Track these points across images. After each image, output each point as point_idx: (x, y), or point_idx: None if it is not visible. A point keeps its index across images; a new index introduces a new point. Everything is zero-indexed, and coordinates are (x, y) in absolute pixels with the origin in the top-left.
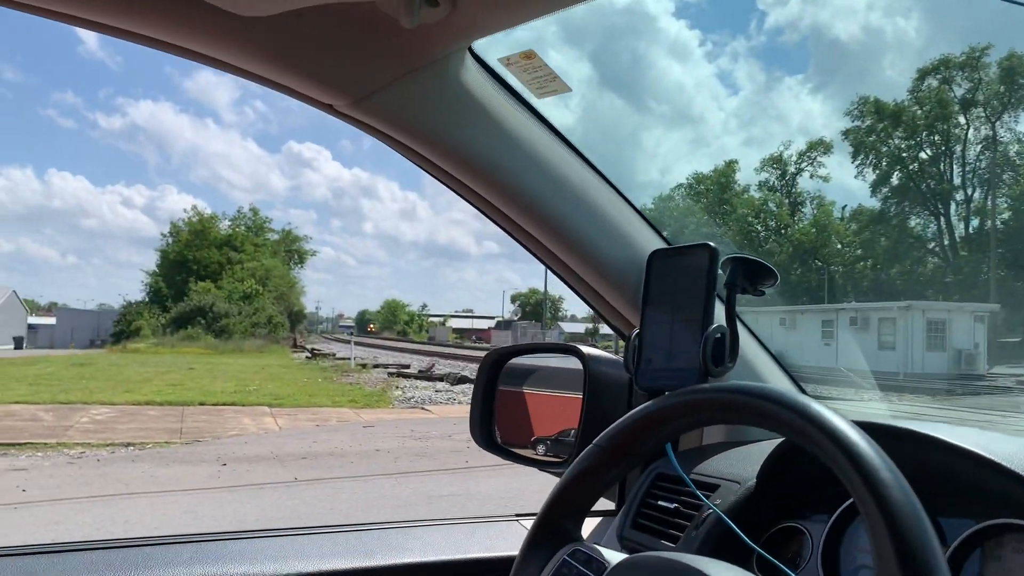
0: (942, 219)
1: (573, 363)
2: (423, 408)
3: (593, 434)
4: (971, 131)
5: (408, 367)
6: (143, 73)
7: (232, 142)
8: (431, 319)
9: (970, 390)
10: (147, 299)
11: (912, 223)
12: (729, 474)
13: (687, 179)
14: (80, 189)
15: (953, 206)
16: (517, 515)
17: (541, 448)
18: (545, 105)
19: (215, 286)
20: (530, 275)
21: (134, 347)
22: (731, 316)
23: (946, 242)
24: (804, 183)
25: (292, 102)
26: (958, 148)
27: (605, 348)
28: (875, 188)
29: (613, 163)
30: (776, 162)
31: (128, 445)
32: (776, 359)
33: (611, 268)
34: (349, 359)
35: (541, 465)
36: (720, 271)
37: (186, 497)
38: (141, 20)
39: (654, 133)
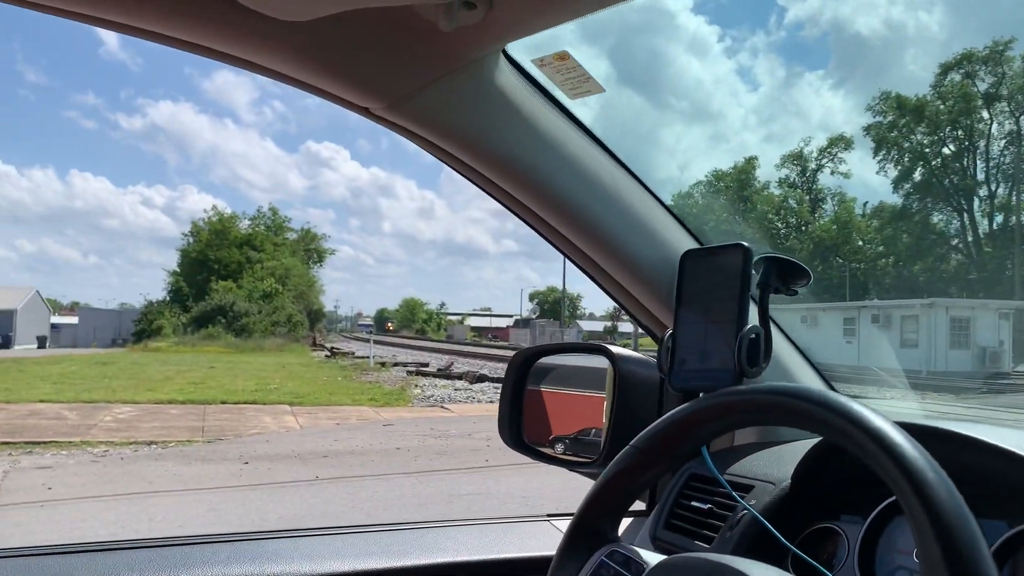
0: (965, 215)
1: (594, 362)
2: (442, 406)
3: (623, 434)
4: (995, 126)
5: (427, 365)
6: (163, 74)
7: (251, 142)
8: (449, 318)
9: (995, 388)
10: (168, 298)
11: (935, 219)
12: (763, 475)
13: (706, 176)
14: (101, 190)
15: (977, 202)
16: (549, 515)
17: (559, 447)
18: (576, 105)
19: (235, 285)
20: (548, 273)
21: (155, 346)
22: (764, 316)
23: (970, 238)
24: (825, 179)
25: (310, 102)
26: (982, 143)
27: (624, 347)
28: (897, 184)
29: (632, 160)
30: (796, 158)
31: (151, 443)
32: (807, 358)
33: (643, 268)
34: (368, 358)
35: (570, 465)
36: (752, 271)
37: (209, 495)
38: (180, 25)
39: (673, 130)
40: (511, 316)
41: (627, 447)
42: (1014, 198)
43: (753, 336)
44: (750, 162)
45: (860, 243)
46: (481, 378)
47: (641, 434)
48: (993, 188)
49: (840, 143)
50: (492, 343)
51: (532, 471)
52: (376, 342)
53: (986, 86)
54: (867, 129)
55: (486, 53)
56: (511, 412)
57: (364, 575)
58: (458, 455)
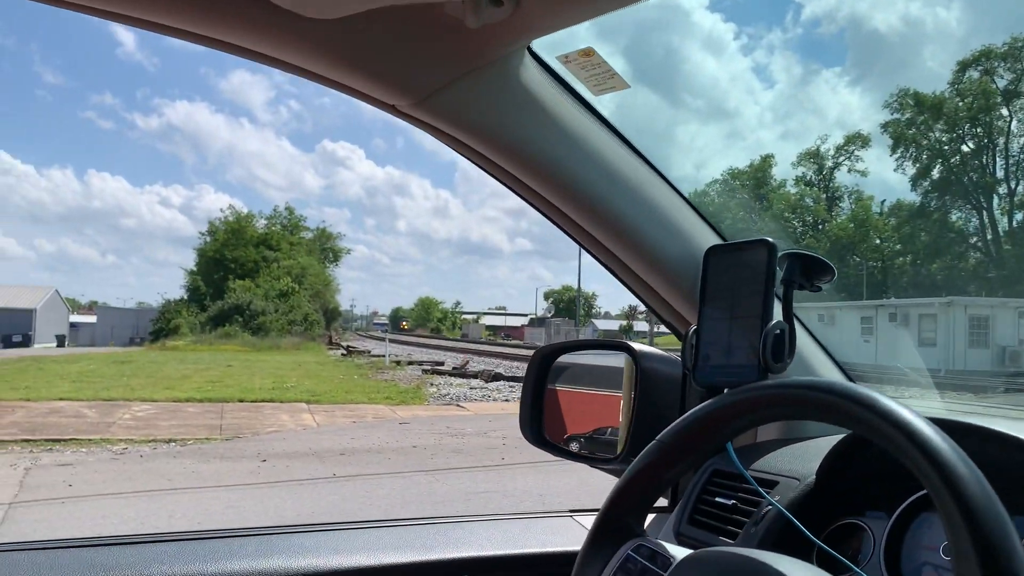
0: (984, 213)
1: (607, 360)
2: (458, 405)
3: (645, 431)
4: (1014, 123)
5: (442, 364)
6: (179, 74)
7: (267, 141)
8: (464, 316)
9: (1015, 387)
10: (185, 297)
11: (953, 217)
12: (787, 471)
13: (722, 174)
14: (119, 189)
15: (996, 200)
16: (571, 511)
17: (575, 445)
18: (597, 102)
19: (252, 284)
20: (563, 272)
21: (173, 345)
22: (788, 312)
23: (989, 236)
24: (842, 177)
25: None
26: (1001, 140)
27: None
28: (915, 182)
29: (648, 158)
30: (813, 156)
31: (170, 441)
32: (830, 354)
33: (667, 265)
34: (384, 356)
35: (593, 462)
36: (776, 267)
37: (228, 492)
38: (210, 23)
39: (689, 128)
40: (526, 315)
41: (653, 442)
42: None
43: (778, 332)
44: (766, 160)
45: (877, 241)
46: (496, 377)
47: (667, 429)
48: (1013, 185)
49: (857, 141)
50: (505, 342)
51: (548, 469)
52: (391, 341)
53: (1005, 83)
54: (884, 126)
55: (512, 50)
56: (532, 409)
57: (390, 568)
58: (474, 453)
